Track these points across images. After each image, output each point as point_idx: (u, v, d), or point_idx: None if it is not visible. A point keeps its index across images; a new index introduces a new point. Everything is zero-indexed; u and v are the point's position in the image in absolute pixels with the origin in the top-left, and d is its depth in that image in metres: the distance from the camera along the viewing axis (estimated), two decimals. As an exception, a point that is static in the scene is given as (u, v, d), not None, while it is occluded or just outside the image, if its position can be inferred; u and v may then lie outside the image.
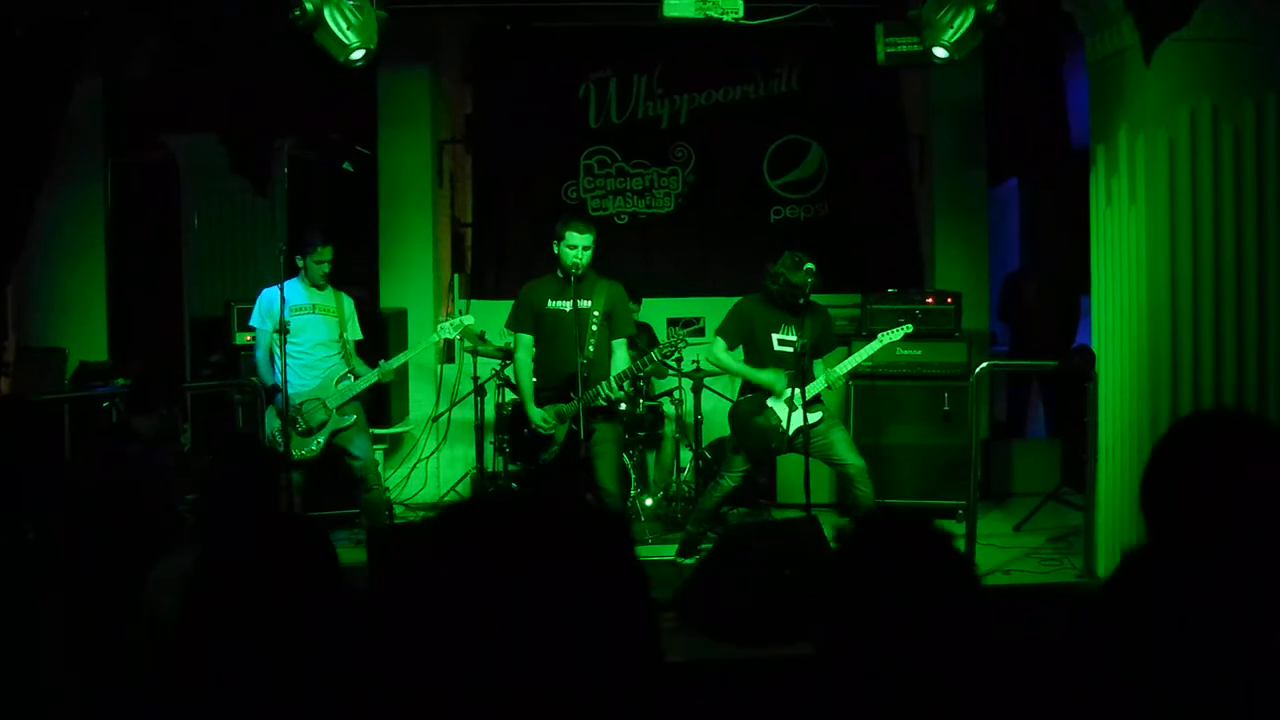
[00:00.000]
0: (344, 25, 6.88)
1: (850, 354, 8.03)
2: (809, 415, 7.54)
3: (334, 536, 8.58)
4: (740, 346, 7.93)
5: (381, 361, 8.04)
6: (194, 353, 10.46)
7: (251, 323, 7.89)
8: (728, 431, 9.77)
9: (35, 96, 8.38)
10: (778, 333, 7.80)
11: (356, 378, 7.94)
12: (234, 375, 8.89)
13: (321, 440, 7.84)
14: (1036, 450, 10.49)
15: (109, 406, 8.10)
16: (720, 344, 7.88)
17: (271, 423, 7.74)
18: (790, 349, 7.64)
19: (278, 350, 7.55)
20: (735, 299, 8.16)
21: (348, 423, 7.89)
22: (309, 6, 6.60)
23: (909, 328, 8.09)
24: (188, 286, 11.14)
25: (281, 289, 7.60)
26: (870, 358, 8.07)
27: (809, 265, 7.64)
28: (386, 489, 8.60)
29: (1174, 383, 6.30)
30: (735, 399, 8.10)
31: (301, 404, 7.72)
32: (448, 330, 8.09)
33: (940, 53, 7.17)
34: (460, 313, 8.29)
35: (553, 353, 7.52)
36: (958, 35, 6.93)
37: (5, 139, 8.23)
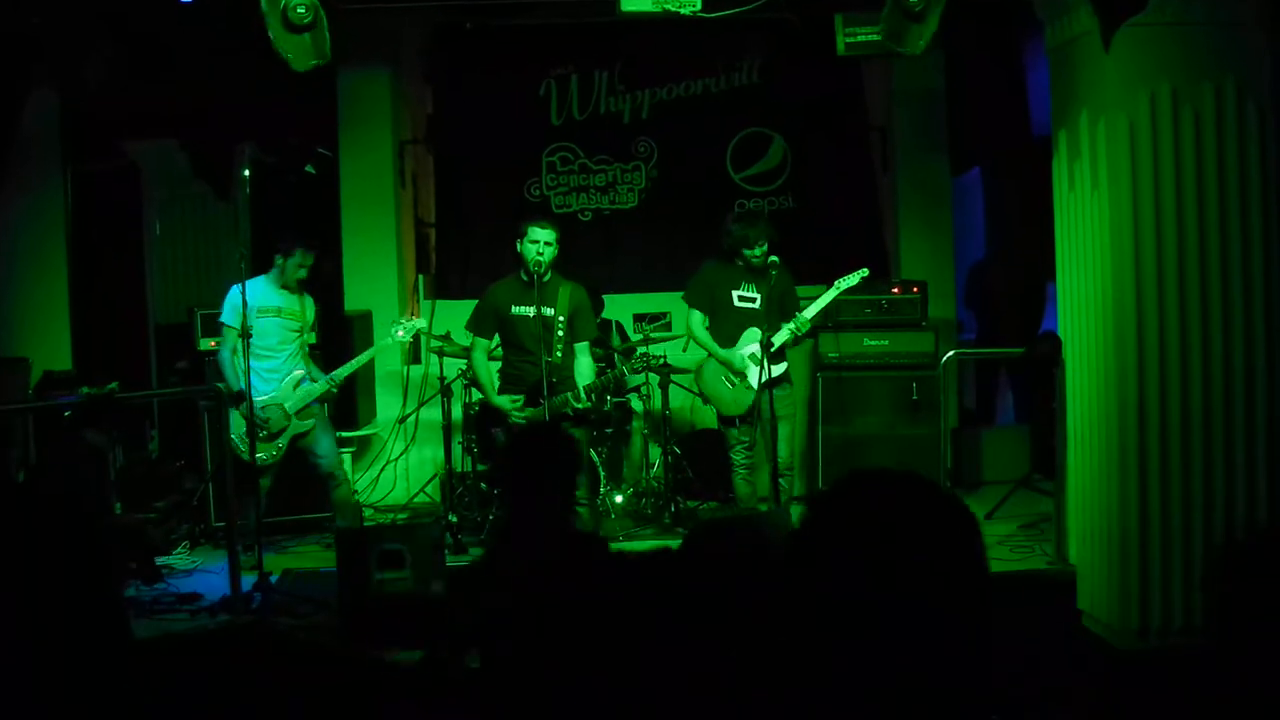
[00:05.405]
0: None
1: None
2: (773, 369, 7.71)
3: (305, 540, 8.67)
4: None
5: (332, 373, 7.99)
6: (159, 359, 10.39)
7: (221, 319, 7.72)
8: (697, 425, 9.77)
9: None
10: (737, 289, 7.96)
11: (313, 381, 7.93)
12: (200, 381, 8.78)
13: (283, 444, 7.83)
14: (1006, 437, 10.52)
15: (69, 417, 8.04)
16: (696, 316, 8.03)
17: (236, 427, 7.67)
18: (751, 304, 7.86)
19: (240, 351, 7.49)
20: None
21: (308, 425, 7.89)
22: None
23: (865, 271, 8.19)
24: (151, 293, 11.05)
25: (244, 288, 7.53)
26: (832, 302, 8.33)
27: (753, 232, 7.82)
28: (354, 489, 8.54)
29: (1140, 366, 6.31)
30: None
31: (263, 408, 7.67)
32: (400, 333, 8.15)
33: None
34: (411, 316, 8.30)
35: (520, 358, 7.50)
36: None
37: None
